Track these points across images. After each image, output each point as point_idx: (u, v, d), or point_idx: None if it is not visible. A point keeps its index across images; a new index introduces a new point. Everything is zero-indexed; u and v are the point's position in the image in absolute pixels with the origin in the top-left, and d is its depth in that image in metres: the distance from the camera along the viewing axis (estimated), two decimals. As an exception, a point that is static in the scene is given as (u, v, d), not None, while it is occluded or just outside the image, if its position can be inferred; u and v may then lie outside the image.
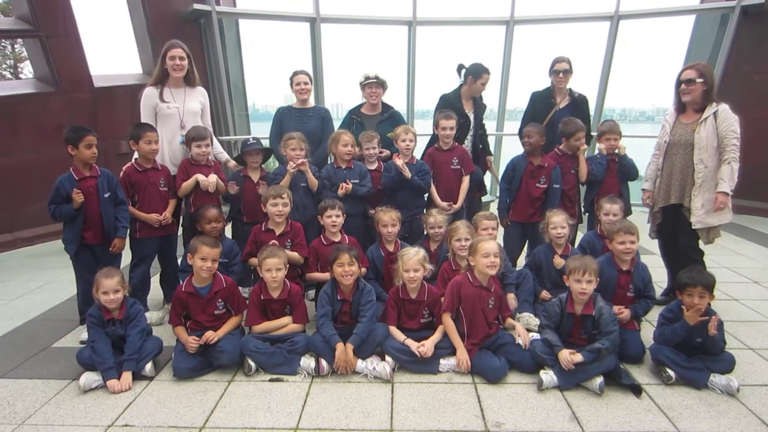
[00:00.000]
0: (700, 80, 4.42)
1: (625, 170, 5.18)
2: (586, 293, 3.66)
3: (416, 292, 3.97)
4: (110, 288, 3.67)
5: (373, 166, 5.30)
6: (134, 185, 4.56)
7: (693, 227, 4.49)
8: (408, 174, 5.00)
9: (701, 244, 4.65)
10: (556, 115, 5.58)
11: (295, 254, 4.51)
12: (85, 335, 4.16)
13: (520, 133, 5.39)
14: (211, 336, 3.74)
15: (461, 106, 5.68)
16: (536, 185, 5.15)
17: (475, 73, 5.58)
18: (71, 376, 3.72)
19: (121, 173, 4.58)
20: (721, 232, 4.62)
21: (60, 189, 4.16)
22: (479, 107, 5.86)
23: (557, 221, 4.59)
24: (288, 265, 4.05)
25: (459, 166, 5.35)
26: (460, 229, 4.37)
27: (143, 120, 4.82)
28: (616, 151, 5.18)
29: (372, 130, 5.45)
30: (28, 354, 4.14)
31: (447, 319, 3.87)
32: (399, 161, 4.98)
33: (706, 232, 4.53)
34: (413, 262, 3.87)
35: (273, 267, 3.90)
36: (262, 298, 4.01)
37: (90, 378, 3.57)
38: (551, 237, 4.64)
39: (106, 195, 4.29)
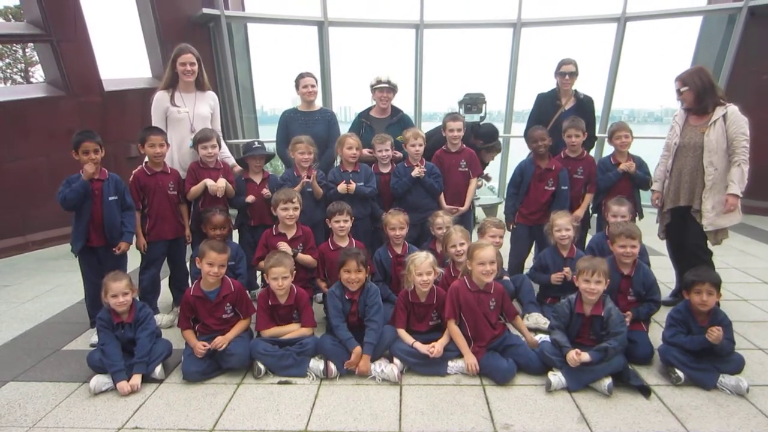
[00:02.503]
0: (685, 88, 4.47)
1: (638, 184, 5.19)
2: (593, 293, 3.66)
3: (426, 296, 3.98)
4: (119, 291, 3.70)
5: (387, 169, 5.31)
6: (143, 189, 4.60)
7: (704, 229, 4.48)
8: (422, 173, 5.06)
9: (709, 245, 4.64)
10: (561, 116, 5.57)
11: (308, 257, 4.53)
12: (95, 338, 4.19)
13: (526, 136, 5.37)
14: (219, 343, 3.75)
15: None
16: (545, 188, 5.15)
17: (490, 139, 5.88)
18: (81, 378, 3.75)
19: (131, 177, 4.62)
20: (728, 233, 4.61)
21: (69, 181, 4.19)
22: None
23: (562, 223, 4.59)
24: (295, 272, 4.05)
25: (467, 169, 5.35)
26: (453, 235, 4.37)
27: (154, 124, 4.86)
28: (626, 169, 5.12)
29: (382, 132, 5.47)
30: (39, 357, 4.18)
31: (452, 326, 3.87)
32: (417, 171, 5.04)
33: (714, 234, 4.52)
34: (425, 265, 3.87)
35: (279, 275, 3.90)
36: (270, 303, 4.03)
37: (100, 381, 3.59)
38: (555, 239, 4.64)
39: (111, 198, 4.31)
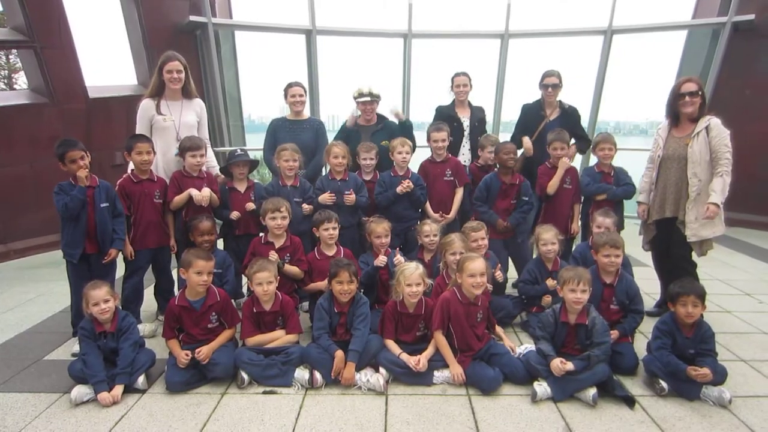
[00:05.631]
0: (700, 92, 4.52)
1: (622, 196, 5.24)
2: (580, 302, 3.68)
3: (414, 307, 3.97)
4: (100, 298, 3.66)
5: (369, 177, 5.35)
6: (129, 196, 4.55)
7: (688, 240, 4.52)
8: (411, 186, 5.08)
9: (694, 256, 4.68)
10: (546, 127, 5.63)
11: (295, 269, 4.51)
12: (77, 348, 4.15)
13: (497, 149, 5.32)
14: (202, 354, 3.71)
15: (454, 113, 5.84)
16: (511, 202, 5.21)
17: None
18: (63, 389, 3.69)
19: (116, 185, 4.57)
20: (713, 244, 4.66)
21: (63, 188, 4.16)
22: (476, 113, 5.96)
23: (547, 238, 4.62)
24: (279, 278, 4.04)
25: (452, 178, 5.37)
26: (456, 243, 4.37)
27: (138, 132, 4.82)
28: (610, 162, 5.23)
29: (368, 140, 5.52)
30: (20, 367, 4.11)
31: (439, 337, 3.86)
32: (401, 188, 5.06)
33: (699, 245, 4.56)
34: (414, 277, 3.87)
35: (264, 281, 3.89)
36: (255, 310, 4.00)
37: (81, 391, 3.54)
38: (541, 252, 4.66)
39: (103, 205, 4.29)
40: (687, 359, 3.59)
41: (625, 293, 4.13)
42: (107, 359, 3.70)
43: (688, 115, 4.57)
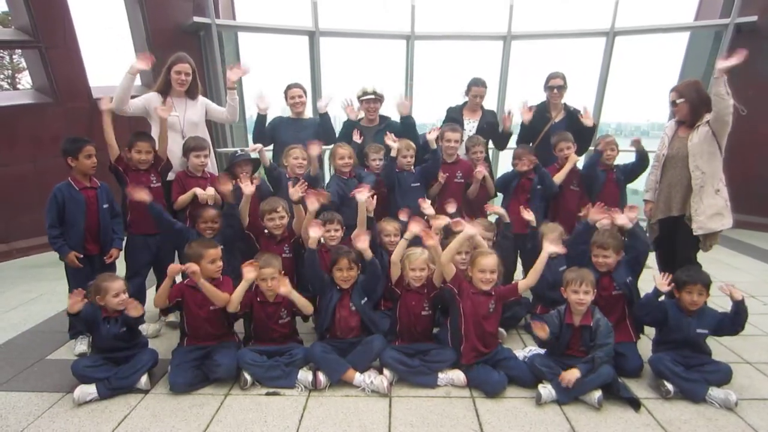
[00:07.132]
0: (681, 100, 4.52)
1: (627, 175, 5.27)
2: (583, 303, 3.68)
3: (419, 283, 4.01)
4: (120, 289, 3.69)
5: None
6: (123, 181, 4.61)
7: (695, 233, 4.48)
8: (433, 135, 5.17)
9: (698, 258, 4.66)
10: (551, 129, 5.61)
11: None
12: (80, 348, 4.17)
13: (514, 154, 5.35)
14: (192, 269, 3.72)
15: (460, 116, 5.88)
16: (526, 198, 5.19)
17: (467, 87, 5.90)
18: (65, 389, 3.69)
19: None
20: (719, 238, 4.61)
21: (57, 196, 4.19)
22: (486, 116, 5.98)
23: (552, 238, 4.59)
24: (282, 272, 4.02)
25: (463, 180, 5.36)
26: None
27: (133, 107, 4.90)
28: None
29: (371, 140, 5.54)
30: (22, 366, 4.11)
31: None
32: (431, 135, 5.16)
33: (704, 239, 4.52)
34: (419, 262, 3.91)
35: (268, 276, 3.91)
36: (259, 300, 4.02)
37: (84, 391, 3.54)
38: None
39: (105, 206, 4.34)
40: (693, 342, 3.69)
41: (623, 276, 4.16)
42: (109, 357, 3.71)
43: (682, 120, 4.59)
